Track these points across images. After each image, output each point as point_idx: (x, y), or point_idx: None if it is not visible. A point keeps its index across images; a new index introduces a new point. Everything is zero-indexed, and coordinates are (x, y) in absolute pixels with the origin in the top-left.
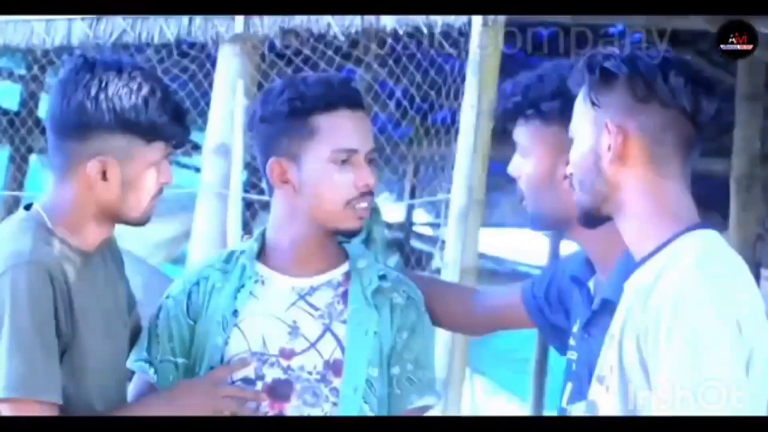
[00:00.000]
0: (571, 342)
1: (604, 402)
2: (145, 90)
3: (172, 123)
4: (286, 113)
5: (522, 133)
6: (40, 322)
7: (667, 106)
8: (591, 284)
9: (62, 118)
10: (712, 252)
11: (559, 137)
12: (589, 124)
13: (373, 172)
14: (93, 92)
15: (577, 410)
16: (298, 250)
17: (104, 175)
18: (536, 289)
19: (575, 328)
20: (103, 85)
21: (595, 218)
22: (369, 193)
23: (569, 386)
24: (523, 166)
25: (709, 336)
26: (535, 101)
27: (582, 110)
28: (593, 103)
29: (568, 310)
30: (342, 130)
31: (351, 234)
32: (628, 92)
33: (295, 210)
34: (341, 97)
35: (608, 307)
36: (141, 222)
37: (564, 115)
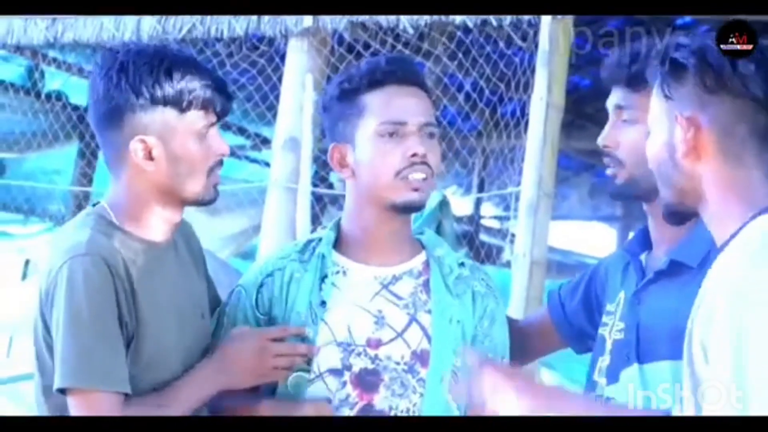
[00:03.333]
0: (604, 319)
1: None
2: (166, 62)
3: (204, 89)
4: (337, 97)
5: (633, 98)
6: (98, 312)
7: (739, 96)
8: (643, 258)
9: (96, 112)
10: None
11: None
12: (664, 117)
13: (425, 142)
14: (115, 79)
15: (626, 376)
16: (372, 238)
17: (150, 155)
18: (563, 288)
19: (610, 306)
20: (124, 67)
21: (679, 213)
22: (422, 164)
23: (600, 360)
24: (627, 133)
25: (755, 328)
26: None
27: (656, 103)
28: (666, 96)
29: (590, 305)
30: (388, 105)
31: (409, 208)
32: (698, 84)
33: (359, 195)
34: (387, 73)
35: (674, 270)
36: (206, 199)
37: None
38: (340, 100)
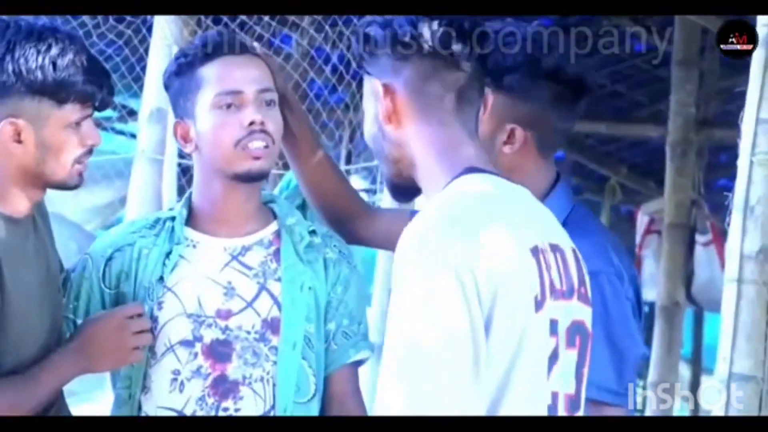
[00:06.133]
0: None
1: None
2: (54, 50)
3: (86, 83)
4: (175, 72)
5: None
6: None
7: (426, 56)
8: None
9: None
10: (452, 198)
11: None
12: (370, 93)
13: (263, 110)
14: None
15: None
16: (220, 210)
17: (18, 137)
18: None
19: None
20: (11, 47)
21: (400, 187)
22: (260, 132)
23: None
24: None
25: (408, 291)
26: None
27: (365, 81)
28: (367, 73)
29: None
30: (223, 76)
31: (252, 177)
32: (389, 54)
33: (204, 168)
34: (220, 44)
35: None
36: (70, 185)
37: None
38: (178, 76)
